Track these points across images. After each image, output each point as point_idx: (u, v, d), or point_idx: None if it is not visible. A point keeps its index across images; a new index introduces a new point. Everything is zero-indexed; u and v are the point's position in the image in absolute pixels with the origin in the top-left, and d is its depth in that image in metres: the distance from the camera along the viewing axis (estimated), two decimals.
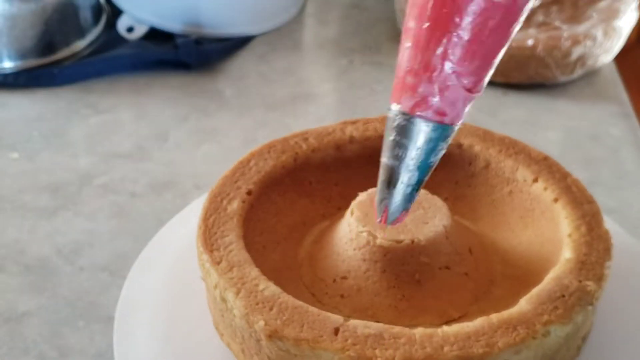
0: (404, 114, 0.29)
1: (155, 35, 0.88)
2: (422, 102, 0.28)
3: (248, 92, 0.82)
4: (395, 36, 0.91)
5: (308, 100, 0.81)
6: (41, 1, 0.81)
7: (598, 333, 0.47)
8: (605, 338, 0.47)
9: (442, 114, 0.29)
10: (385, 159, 0.33)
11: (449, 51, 0.27)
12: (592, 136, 0.74)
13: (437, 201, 0.49)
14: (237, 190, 0.51)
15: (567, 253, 0.45)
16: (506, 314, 0.41)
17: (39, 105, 0.79)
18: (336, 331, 0.40)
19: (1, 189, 0.67)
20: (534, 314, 0.41)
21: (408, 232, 0.47)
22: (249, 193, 0.51)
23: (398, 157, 0.31)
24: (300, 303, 0.42)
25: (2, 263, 0.59)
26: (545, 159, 0.53)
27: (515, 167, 0.53)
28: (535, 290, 0.43)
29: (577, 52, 0.78)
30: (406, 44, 0.28)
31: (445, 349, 0.39)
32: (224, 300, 0.44)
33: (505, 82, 0.81)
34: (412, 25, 0.28)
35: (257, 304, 0.42)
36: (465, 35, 0.26)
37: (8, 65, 0.81)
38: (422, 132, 0.29)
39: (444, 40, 0.26)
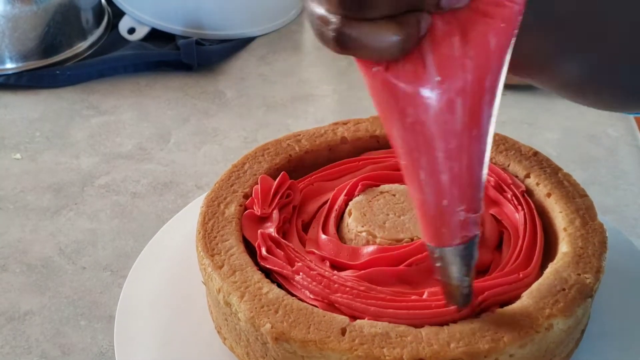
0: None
1: (156, 36, 0.88)
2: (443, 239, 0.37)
3: (248, 93, 0.82)
4: None
5: (308, 101, 0.81)
6: (43, 3, 0.81)
7: (595, 331, 0.47)
8: (603, 336, 0.47)
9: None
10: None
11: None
12: (589, 136, 0.75)
13: None
14: (233, 194, 0.51)
15: (563, 247, 0.46)
16: (509, 309, 0.42)
17: (41, 106, 0.79)
18: (343, 331, 0.40)
19: (4, 189, 0.67)
20: (536, 308, 0.41)
21: (407, 230, 0.47)
22: (245, 196, 0.51)
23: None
24: (305, 305, 0.42)
25: (4, 263, 0.59)
26: (536, 154, 0.53)
27: (507, 164, 0.53)
28: (535, 285, 0.43)
29: None
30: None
31: (452, 345, 0.39)
32: (227, 304, 0.43)
33: (504, 83, 0.81)
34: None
35: (262, 307, 0.42)
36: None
37: (10, 66, 0.82)
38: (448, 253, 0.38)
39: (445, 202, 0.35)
